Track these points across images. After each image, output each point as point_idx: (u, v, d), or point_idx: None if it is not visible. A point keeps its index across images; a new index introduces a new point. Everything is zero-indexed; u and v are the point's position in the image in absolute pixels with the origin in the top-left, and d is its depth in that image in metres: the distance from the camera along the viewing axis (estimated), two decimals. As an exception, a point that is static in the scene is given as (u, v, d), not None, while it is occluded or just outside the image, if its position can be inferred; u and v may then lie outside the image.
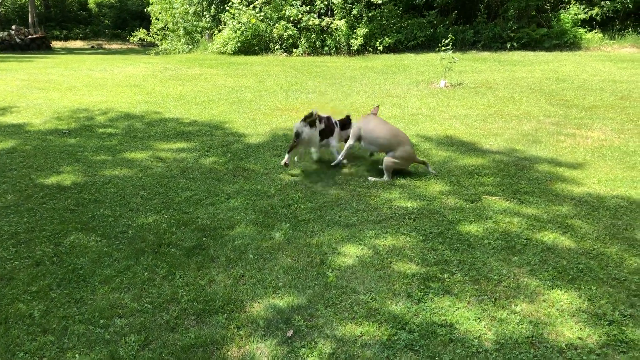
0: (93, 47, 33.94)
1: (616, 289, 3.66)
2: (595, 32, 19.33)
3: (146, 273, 3.91)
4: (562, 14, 19.70)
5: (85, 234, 4.56)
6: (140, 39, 27.87)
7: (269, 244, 4.36)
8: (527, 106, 9.79)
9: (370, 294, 3.61)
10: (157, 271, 3.94)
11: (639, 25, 19.35)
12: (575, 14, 19.50)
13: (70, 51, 28.55)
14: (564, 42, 19.14)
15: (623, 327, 3.23)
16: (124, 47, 33.77)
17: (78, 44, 35.84)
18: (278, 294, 3.62)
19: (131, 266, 4.01)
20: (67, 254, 4.19)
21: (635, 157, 6.63)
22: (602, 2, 19.42)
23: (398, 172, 6.01)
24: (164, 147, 7.28)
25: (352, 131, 6.19)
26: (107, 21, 41.00)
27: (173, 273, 3.91)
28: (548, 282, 3.74)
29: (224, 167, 6.40)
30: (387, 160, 5.87)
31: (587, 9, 19.60)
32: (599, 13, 19.35)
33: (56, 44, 33.39)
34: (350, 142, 6.17)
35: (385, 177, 5.89)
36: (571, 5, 19.97)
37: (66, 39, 37.02)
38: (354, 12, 19.56)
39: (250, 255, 4.15)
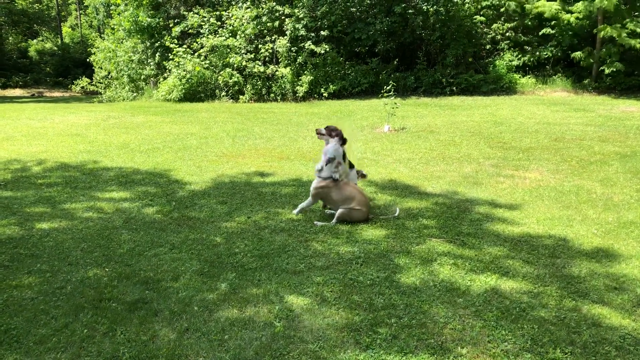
0: (33, 95, 33.14)
1: (557, 326, 3.75)
2: (529, 77, 20.40)
3: (85, 330, 3.74)
4: (497, 61, 20.80)
5: (20, 291, 4.35)
6: (82, 87, 27.43)
7: (214, 295, 4.27)
8: (468, 149, 10.12)
9: (319, 342, 3.57)
10: (98, 328, 3.78)
11: (568, 70, 20.58)
12: (510, 61, 20.64)
13: (10, 99, 27.78)
14: (500, 86, 20.10)
15: (565, 365, 3.30)
16: (67, 95, 33.12)
17: (17, 92, 34.97)
18: (224, 346, 3.53)
19: (69, 324, 3.83)
20: None
21: (570, 196, 6.92)
22: (533, 50, 20.59)
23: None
24: (106, 197, 7.10)
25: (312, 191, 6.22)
26: (48, 69, 40.27)
27: (114, 329, 3.76)
28: (492, 322, 3.80)
29: (168, 216, 6.28)
30: (342, 211, 5.94)
31: (520, 56, 20.74)
32: (531, 59, 20.48)
33: (-7, 93, 32.51)
34: (310, 200, 6.21)
35: (333, 222, 5.93)
36: (505, 52, 21.09)
37: (4, 87, 36.07)
38: (299, 60, 19.95)
39: (195, 308, 4.05)
